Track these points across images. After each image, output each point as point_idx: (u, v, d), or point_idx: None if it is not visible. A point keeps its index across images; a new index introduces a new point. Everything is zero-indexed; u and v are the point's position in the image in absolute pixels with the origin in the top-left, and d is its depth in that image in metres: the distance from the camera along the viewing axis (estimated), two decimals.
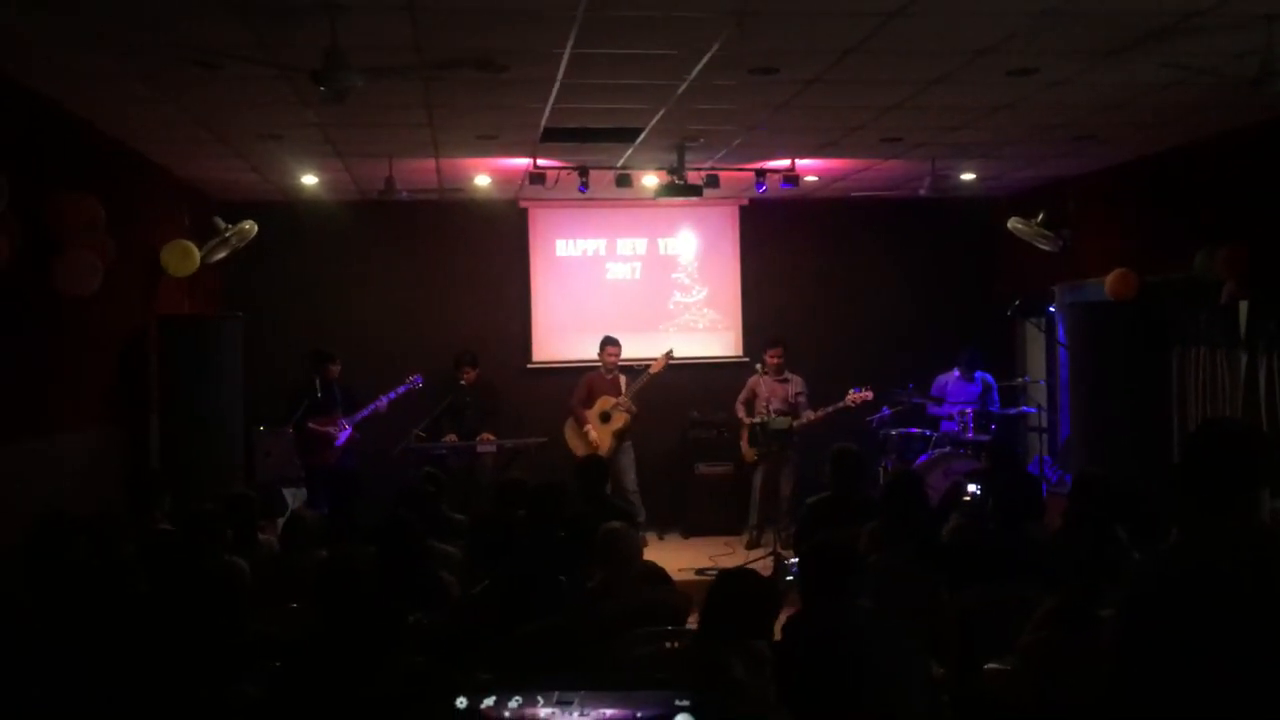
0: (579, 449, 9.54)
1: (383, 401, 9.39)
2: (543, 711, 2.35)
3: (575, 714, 2.34)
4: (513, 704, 2.36)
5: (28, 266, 5.86)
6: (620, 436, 9.68)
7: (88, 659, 3.37)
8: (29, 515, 4.78)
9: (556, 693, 2.36)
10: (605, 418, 9.71)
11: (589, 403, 9.79)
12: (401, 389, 9.47)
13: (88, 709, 3.04)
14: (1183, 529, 2.73)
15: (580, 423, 9.74)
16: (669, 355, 9.86)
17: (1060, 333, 10.08)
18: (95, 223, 6.46)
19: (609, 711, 2.33)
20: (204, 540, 4.79)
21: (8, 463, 5.80)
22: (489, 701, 2.36)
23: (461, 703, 2.36)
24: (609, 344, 9.90)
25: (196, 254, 8.62)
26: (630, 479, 9.73)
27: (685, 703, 2.32)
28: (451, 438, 9.67)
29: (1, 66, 5.71)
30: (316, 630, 3.50)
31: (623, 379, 9.76)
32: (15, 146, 5.84)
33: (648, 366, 9.83)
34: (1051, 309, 10.38)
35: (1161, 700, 2.51)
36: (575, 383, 10.08)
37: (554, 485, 5.88)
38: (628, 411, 9.64)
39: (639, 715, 2.32)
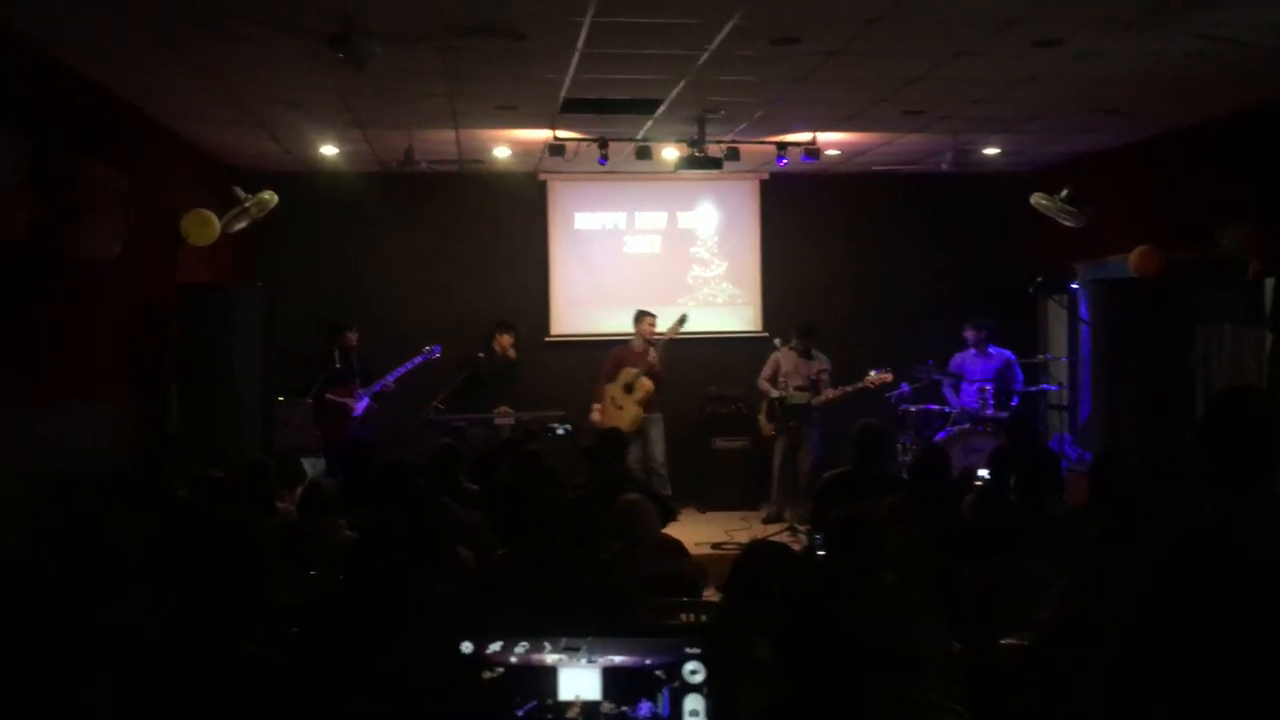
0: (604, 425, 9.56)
1: (389, 379, 9.41)
2: (549, 657, 2.32)
3: (583, 660, 2.30)
4: (519, 649, 2.32)
5: (50, 234, 5.87)
6: (646, 405, 9.65)
7: (105, 621, 3.39)
8: (48, 482, 4.81)
9: (564, 639, 2.32)
10: (629, 389, 9.68)
11: (614, 376, 9.75)
12: (419, 359, 9.48)
13: (105, 670, 3.06)
14: (1202, 500, 2.70)
15: (595, 399, 9.71)
16: (682, 320, 9.76)
17: (1082, 310, 10.00)
18: (116, 191, 6.48)
19: (617, 658, 2.30)
20: (218, 507, 4.81)
21: (28, 429, 5.83)
22: (495, 646, 2.32)
23: (467, 647, 2.33)
24: (646, 315, 9.82)
25: (216, 223, 8.63)
26: (659, 451, 9.73)
27: (695, 650, 2.28)
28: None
29: (24, 33, 5.70)
30: (341, 596, 3.51)
31: (651, 352, 9.70)
32: (38, 115, 5.84)
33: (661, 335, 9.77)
34: (1074, 286, 10.29)
35: (1173, 672, 2.49)
36: (595, 357, 10.09)
37: (534, 451, 6.29)
38: (650, 376, 9.60)
39: (648, 661, 2.28)
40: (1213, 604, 2.49)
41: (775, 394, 9.52)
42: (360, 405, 9.39)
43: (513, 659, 2.32)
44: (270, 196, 9.29)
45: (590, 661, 2.31)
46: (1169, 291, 8.51)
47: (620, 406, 9.68)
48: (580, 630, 2.37)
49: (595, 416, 9.62)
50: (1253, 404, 2.79)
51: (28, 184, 5.33)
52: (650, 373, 9.60)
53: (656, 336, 9.71)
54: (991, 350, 9.74)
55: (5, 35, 5.56)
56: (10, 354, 5.72)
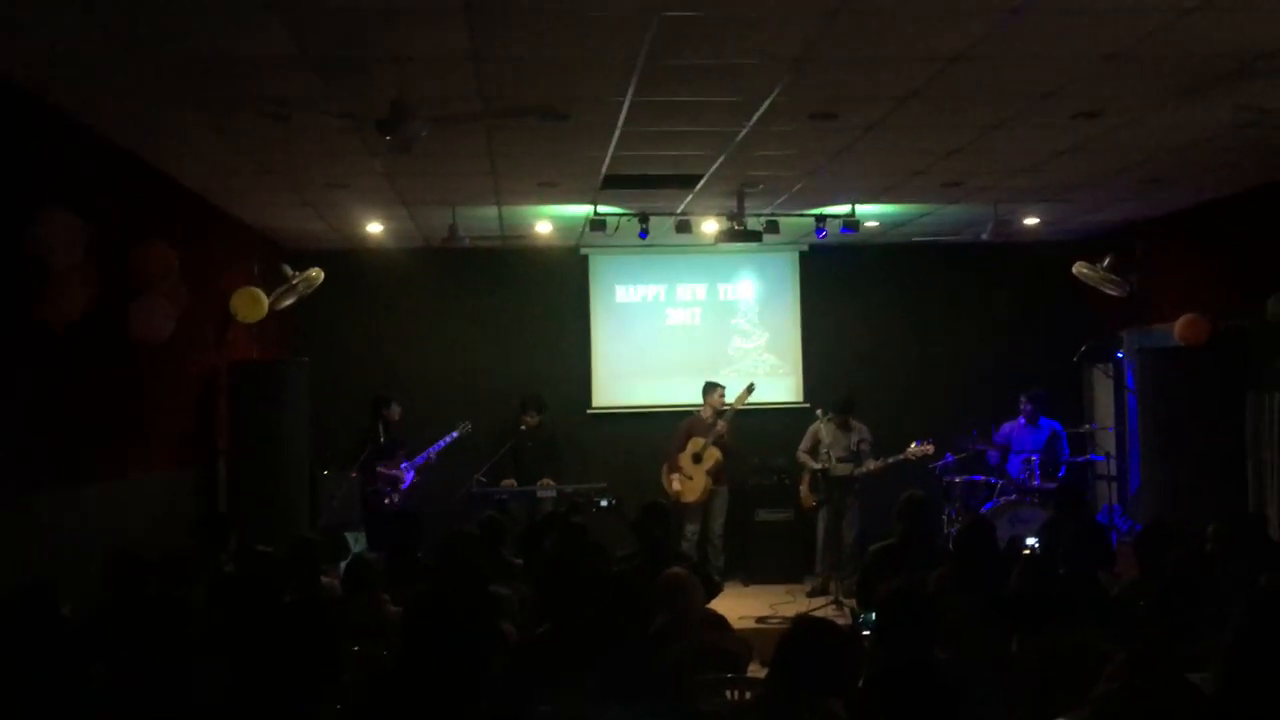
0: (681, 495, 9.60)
1: (431, 453, 9.47)
2: None
3: None
4: None
5: (105, 313, 6.00)
6: (715, 476, 9.67)
7: (163, 690, 3.41)
8: (102, 555, 4.87)
9: None
10: (697, 458, 9.69)
11: (684, 446, 9.76)
12: (452, 435, 9.53)
13: None
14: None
15: (669, 469, 9.74)
16: (750, 389, 9.79)
17: (1129, 379, 9.89)
18: (170, 271, 6.62)
19: None
20: (267, 582, 4.83)
21: (82, 504, 5.92)
22: None
23: None
24: (716, 387, 9.87)
25: (265, 301, 8.78)
26: (719, 524, 9.73)
27: None
28: (510, 483, 9.71)
29: (82, 118, 5.90)
30: (392, 671, 3.50)
31: (720, 423, 9.73)
32: (94, 196, 6.01)
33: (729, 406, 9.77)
34: (1120, 355, 10.20)
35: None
36: (638, 428, 10.30)
37: (580, 524, 6.22)
38: (718, 446, 9.61)
39: None
40: None
41: (817, 466, 9.47)
42: (408, 477, 9.44)
43: None
44: (317, 274, 9.45)
45: None
46: (1217, 359, 8.42)
47: (690, 476, 9.70)
48: (629, 705, 2.38)
49: (676, 486, 9.66)
50: None
51: (84, 264, 5.46)
52: (719, 442, 9.63)
53: (725, 407, 9.74)
54: (1042, 421, 9.63)
55: (61, 119, 5.75)
56: (69, 430, 5.83)
